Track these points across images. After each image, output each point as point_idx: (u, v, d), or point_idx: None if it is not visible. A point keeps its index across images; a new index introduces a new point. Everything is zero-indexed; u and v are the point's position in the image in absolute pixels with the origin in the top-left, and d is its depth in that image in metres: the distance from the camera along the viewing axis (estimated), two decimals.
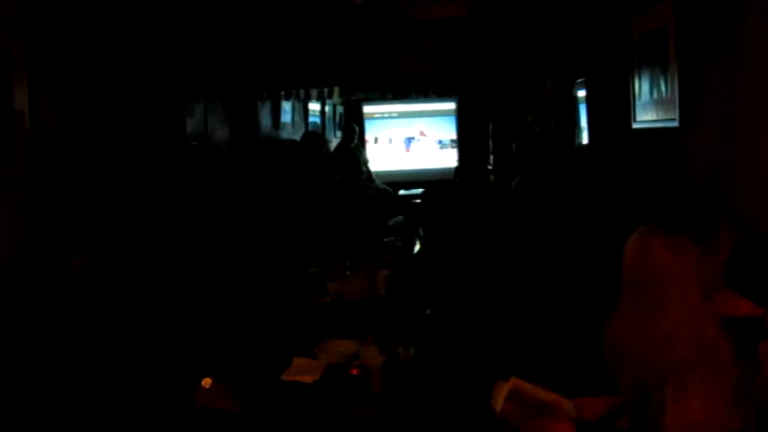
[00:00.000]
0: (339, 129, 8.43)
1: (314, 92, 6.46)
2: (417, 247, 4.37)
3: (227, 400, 1.98)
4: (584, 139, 4.96)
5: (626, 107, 3.54)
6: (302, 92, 6.24)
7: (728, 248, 1.36)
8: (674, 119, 2.86)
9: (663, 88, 3.02)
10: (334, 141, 8.04)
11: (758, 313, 1.31)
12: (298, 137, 6.14)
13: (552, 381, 1.81)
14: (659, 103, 3.09)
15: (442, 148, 9.21)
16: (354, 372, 2.12)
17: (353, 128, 7.66)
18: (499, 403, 1.62)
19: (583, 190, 3.70)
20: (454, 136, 9.19)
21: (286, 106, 6.21)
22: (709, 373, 1.35)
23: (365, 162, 7.78)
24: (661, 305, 1.38)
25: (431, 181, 5.99)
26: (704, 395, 1.34)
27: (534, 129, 6.34)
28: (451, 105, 9.12)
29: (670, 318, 1.37)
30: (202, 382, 1.94)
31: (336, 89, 6.80)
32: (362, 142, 8.34)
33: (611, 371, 1.53)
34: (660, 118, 3.08)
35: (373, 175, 7.77)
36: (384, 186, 7.51)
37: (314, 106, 7.36)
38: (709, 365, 1.34)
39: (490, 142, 7.72)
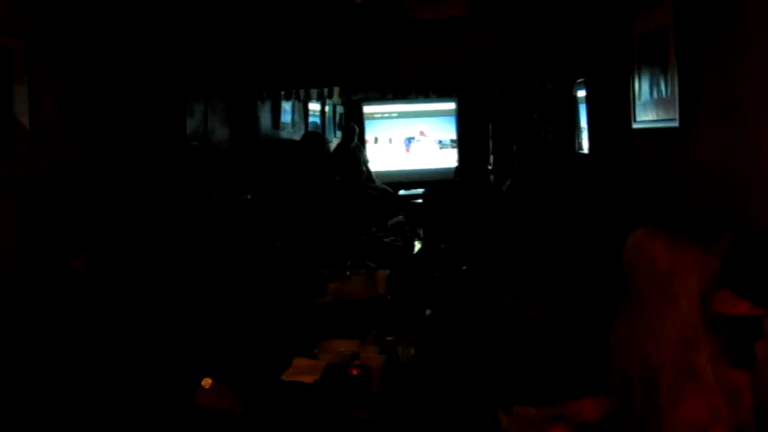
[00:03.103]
0: (339, 129, 8.43)
1: (314, 92, 6.46)
2: (417, 247, 4.37)
3: (227, 401, 1.97)
4: (585, 140, 4.96)
5: (626, 107, 3.54)
6: (302, 92, 6.24)
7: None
8: (674, 119, 2.86)
9: (663, 88, 3.02)
10: (335, 141, 8.04)
11: (756, 312, 1.32)
12: (298, 137, 6.14)
13: (552, 381, 1.81)
14: (659, 103, 3.08)
15: (442, 148, 9.22)
16: (354, 372, 2.12)
17: (353, 128, 7.66)
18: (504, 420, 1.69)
19: (579, 192, 3.70)
20: (454, 136, 9.19)
21: (286, 106, 6.21)
22: (686, 375, 1.35)
23: (365, 162, 7.77)
24: (655, 303, 1.39)
25: (431, 181, 5.99)
26: (701, 396, 1.34)
27: (538, 132, 6.34)
28: (451, 105, 9.13)
29: (660, 314, 1.37)
30: (202, 382, 1.94)
31: (336, 89, 6.80)
32: (362, 142, 8.34)
33: (611, 370, 1.53)
34: (660, 118, 3.08)
35: (373, 175, 7.77)
36: (384, 186, 7.51)
37: (314, 106, 7.35)
38: (685, 369, 1.34)
39: (490, 142, 7.72)
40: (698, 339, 1.35)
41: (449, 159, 8.94)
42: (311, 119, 7.23)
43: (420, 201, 5.20)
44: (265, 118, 5.80)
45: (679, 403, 1.34)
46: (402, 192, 7.69)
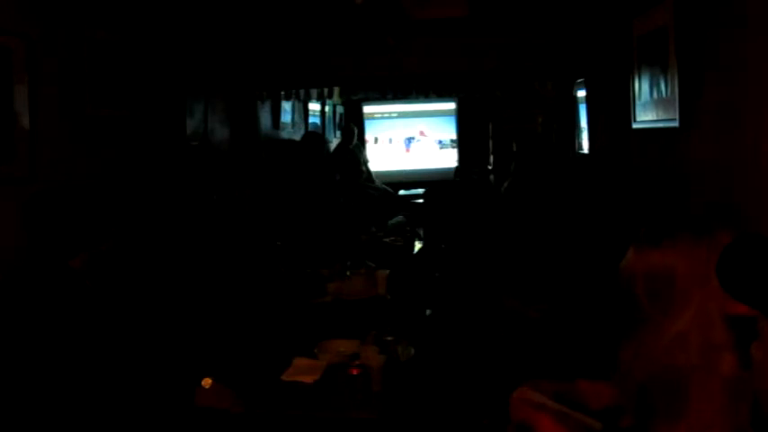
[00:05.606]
0: (339, 129, 8.44)
1: (314, 92, 6.46)
2: (417, 247, 4.37)
3: (227, 401, 1.98)
4: (585, 140, 4.96)
5: (626, 107, 3.54)
6: (302, 92, 6.24)
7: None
8: (674, 119, 2.86)
9: (663, 88, 3.02)
10: (335, 141, 8.05)
11: (752, 314, 1.31)
12: (298, 137, 6.14)
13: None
14: (659, 103, 3.08)
15: (442, 148, 9.21)
16: (354, 372, 2.12)
17: (352, 129, 7.66)
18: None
19: (579, 192, 3.70)
20: (454, 136, 9.19)
21: (286, 106, 6.21)
22: (713, 377, 1.35)
23: (365, 162, 7.77)
24: (672, 308, 1.38)
25: (431, 181, 5.99)
26: (710, 399, 1.34)
27: (544, 132, 6.34)
28: (451, 105, 9.12)
29: (683, 319, 1.37)
30: (202, 382, 1.94)
31: (336, 89, 6.80)
32: (362, 142, 8.34)
33: (624, 386, 1.52)
34: (660, 118, 3.08)
35: (373, 175, 7.77)
36: (384, 186, 7.51)
37: (314, 106, 7.36)
38: (713, 370, 1.34)
39: (490, 142, 7.72)
40: (723, 341, 1.34)
41: (449, 159, 8.94)
42: (311, 119, 7.23)
43: (420, 201, 5.20)
44: (265, 118, 5.80)
45: (699, 404, 1.33)
46: (402, 192, 7.68)
